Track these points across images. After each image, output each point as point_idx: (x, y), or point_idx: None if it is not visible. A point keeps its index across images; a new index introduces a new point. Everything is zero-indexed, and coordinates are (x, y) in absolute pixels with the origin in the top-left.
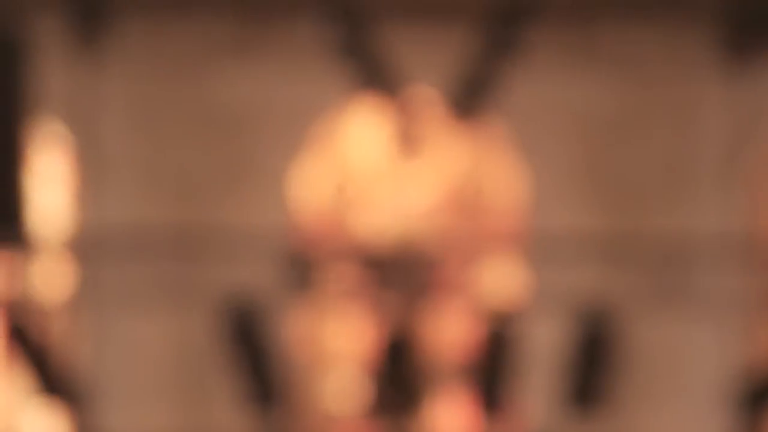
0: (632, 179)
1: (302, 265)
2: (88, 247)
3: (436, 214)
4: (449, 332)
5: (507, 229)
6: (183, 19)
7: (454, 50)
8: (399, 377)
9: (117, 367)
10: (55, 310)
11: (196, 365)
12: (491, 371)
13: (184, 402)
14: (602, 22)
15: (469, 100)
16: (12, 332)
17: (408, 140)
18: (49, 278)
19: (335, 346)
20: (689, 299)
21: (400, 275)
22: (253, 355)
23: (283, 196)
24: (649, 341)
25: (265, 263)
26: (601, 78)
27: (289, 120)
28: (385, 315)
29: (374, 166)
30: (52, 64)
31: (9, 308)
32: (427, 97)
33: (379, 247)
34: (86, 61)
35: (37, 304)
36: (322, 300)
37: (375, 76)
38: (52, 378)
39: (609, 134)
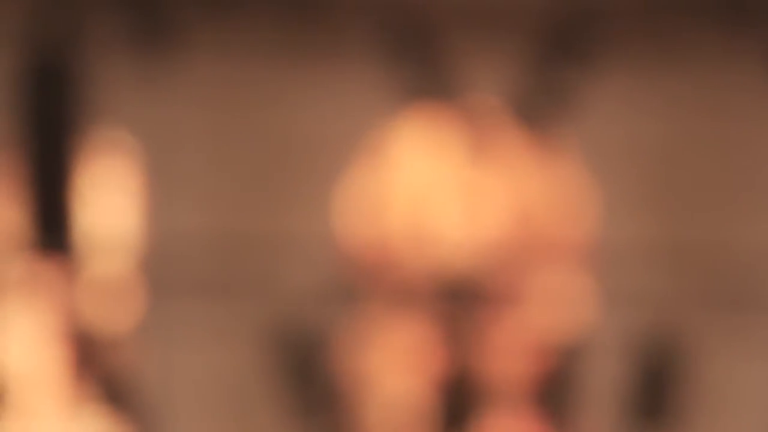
0: (699, 191)
1: (356, 294)
2: (152, 259)
3: (504, 235)
4: (512, 354)
5: (574, 243)
6: (245, 30)
7: (517, 59)
8: (457, 411)
9: (183, 392)
10: (116, 328)
11: (253, 389)
12: (555, 394)
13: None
14: (673, 32)
15: (535, 110)
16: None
17: (474, 153)
18: (111, 293)
19: (389, 377)
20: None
21: (463, 299)
22: (307, 385)
23: (339, 216)
24: (716, 356)
25: (322, 288)
26: (671, 89)
27: (345, 136)
28: (445, 343)
29: (436, 182)
30: (117, 74)
31: (72, 329)
32: (492, 107)
33: (441, 272)
34: (154, 72)
35: (99, 325)
36: (376, 331)
37: (436, 86)
38: (119, 406)
39: (679, 143)
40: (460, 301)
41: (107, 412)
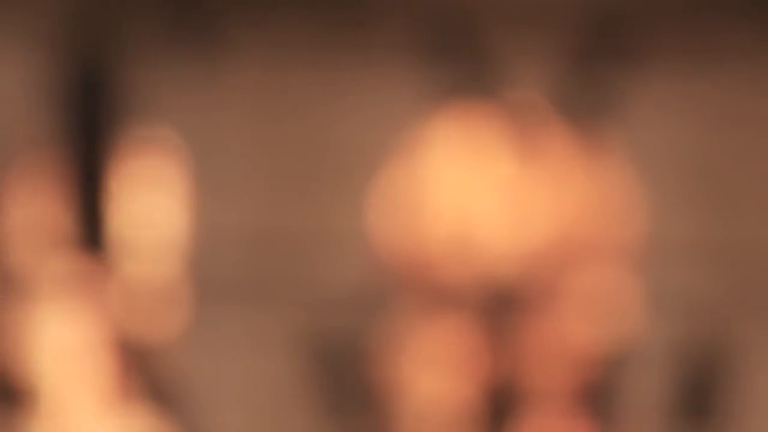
0: (745, 193)
1: (393, 297)
2: (195, 258)
3: (549, 238)
4: (555, 362)
5: (620, 246)
6: (284, 35)
7: (559, 55)
8: (497, 419)
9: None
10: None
11: (291, 392)
12: (599, 402)
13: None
14: (717, 30)
15: (578, 108)
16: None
17: (516, 152)
18: (153, 292)
19: (426, 383)
20: None
21: (505, 304)
22: (345, 389)
23: (378, 218)
24: (763, 362)
25: (360, 291)
26: (716, 88)
27: (383, 137)
28: (485, 350)
29: (477, 182)
30: (163, 76)
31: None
32: (535, 105)
33: (482, 275)
34: (199, 74)
35: (141, 323)
36: (414, 335)
37: (476, 84)
38: (162, 405)
39: (723, 142)
40: (501, 306)
41: (150, 411)
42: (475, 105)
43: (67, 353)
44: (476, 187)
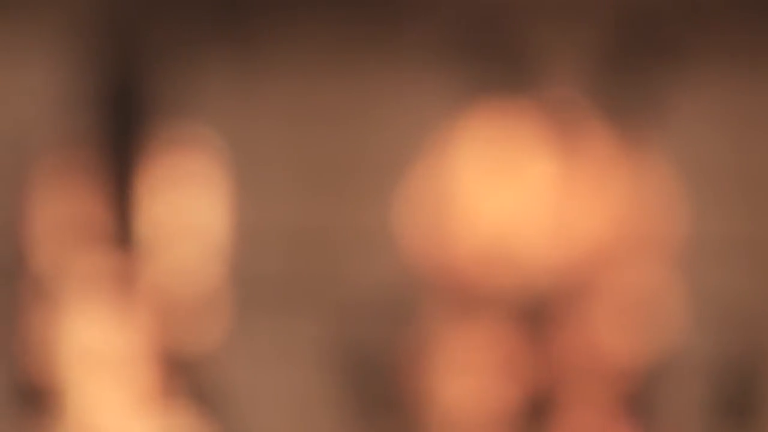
0: None
1: (425, 302)
2: (233, 256)
3: (591, 242)
4: (594, 371)
5: (663, 250)
6: (322, 29)
7: (596, 51)
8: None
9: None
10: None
11: (324, 402)
12: (639, 411)
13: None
14: (764, 25)
15: (617, 106)
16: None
17: (553, 151)
18: (191, 289)
19: (459, 394)
20: None
21: (541, 310)
22: (379, 401)
23: (410, 220)
24: None
25: (392, 297)
26: (758, 84)
27: (418, 137)
28: (520, 359)
29: (512, 183)
30: (204, 75)
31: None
32: (572, 103)
33: (517, 281)
34: (237, 70)
35: (179, 322)
36: (446, 344)
37: (511, 81)
38: (200, 404)
39: (763, 142)
40: (537, 312)
41: (185, 413)
42: (510, 103)
43: (98, 354)
44: (511, 189)
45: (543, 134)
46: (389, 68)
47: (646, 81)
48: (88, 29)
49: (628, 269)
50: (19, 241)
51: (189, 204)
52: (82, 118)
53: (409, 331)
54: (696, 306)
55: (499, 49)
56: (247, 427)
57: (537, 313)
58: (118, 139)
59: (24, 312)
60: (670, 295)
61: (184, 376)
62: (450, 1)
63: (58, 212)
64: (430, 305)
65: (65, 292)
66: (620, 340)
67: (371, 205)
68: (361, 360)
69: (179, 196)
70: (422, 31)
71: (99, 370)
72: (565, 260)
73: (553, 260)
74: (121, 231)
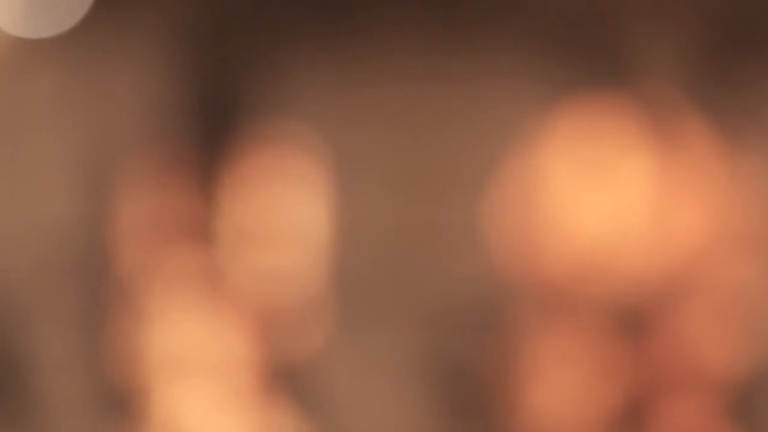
0: None
1: (518, 317)
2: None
3: (694, 247)
4: (690, 386)
5: (763, 239)
6: (419, 27)
7: (696, 45)
8: None
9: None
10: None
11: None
12: (745, 418)
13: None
14: None
15: (714, 100)
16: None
17: (652, 150)
18: (288, 282)
19: (554, 408)
20: None
21: (639, 319)
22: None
23: (500, 220)
24: None
25: (482, 299)
26: None
27: (510, 133)
28: (616, 370)
29: (611, 183)
30: (304, 70)
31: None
32: (671, 98)
33: (612, 288)
34: (336, 68)
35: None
36: (538, 359)
37: (606, 75)
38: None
39: None
40: (634, 319)
41: (279, 410)
42: (605, 101)
43: (186, 357)
44: (605, 189)
45: (638, 132)
46: (483, 68)
47: (743, 77)
48: (184, 29)
49: (728, 271)
50: (105, 242)
51: (285, 204)
52: (174, 117)
53: (500, 338)
54: None
55: (594, 45)
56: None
57: (632, 318)
58: (214, 138)
59: (109, 313)
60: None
61: (277, 381)
62: None
63: (147, 211)
64: (520, 311)
65: (152, 293)
66: (720, 345)
67: (466, 207)
68: (452, 368)
69: (275, 196)
70: (516, 30)
71: (187, 374)
72: (662, 263)
73: (649, 263)
74: (212, 231)
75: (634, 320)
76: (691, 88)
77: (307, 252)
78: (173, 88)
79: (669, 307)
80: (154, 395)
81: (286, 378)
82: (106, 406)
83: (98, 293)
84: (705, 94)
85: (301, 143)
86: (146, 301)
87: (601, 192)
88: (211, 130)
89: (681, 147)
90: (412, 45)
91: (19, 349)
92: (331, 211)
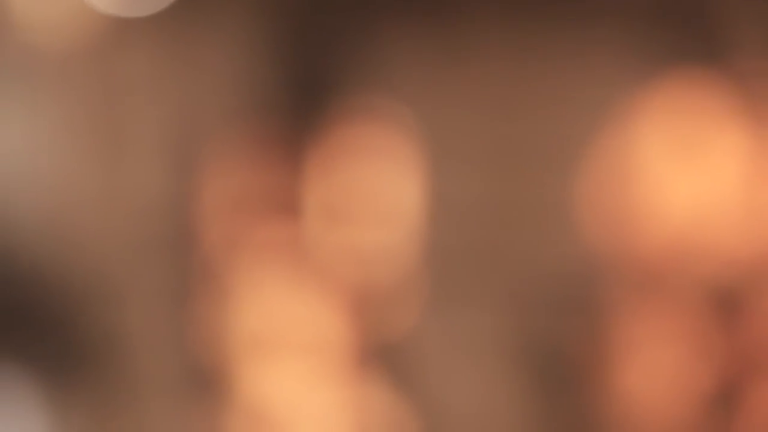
0: None
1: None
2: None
3: None
4: None
5: None
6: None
7: None
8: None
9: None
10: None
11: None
12: None
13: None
14: None
15: None
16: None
17: (749, 128)
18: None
19: (644, 393)
20: None
21: (737, 303)
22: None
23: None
24: None
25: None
26: None
27: (601, 110)
28: (709, 355)
29: (705, 163)
30: (397, 46)
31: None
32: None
33: (714, 274)
34: (429, 44)
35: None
36: (629, 343)
37: (700, 50)
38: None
39: None
40: (729, 305)
41: (370, 393)
42: (700, 76)
43: (272, 335)
44: (700, 166)
45: (732, 109)
46: (576, 46)
47: None
48: (277, 5)
49: None
50: (194, 218)
51: (375, 180)
52: (266, 93)
53: (592, 317)
54: None
55: (687, 21)
56: (433, 413)
57: (725, 298)
58: (305, 113)
59: (197, 290)
60: None
61: (366, 360)
62: None
63: (237, 187)
64: (613, 290)
65: (240, 269)
66: None
67: (559, 185)
68: (544, 347)
69: (366, 172)
70: (609, 7)
71: (274, 351)
72: (755, 241)
73: (742, 241)
74: (301, 206)
75: (727, 299)
76: None
77: (397, 229)
78: (266, 64)
79: (762, 286)
80: (240, 373)
81: (376, 356)
82: (193, 384)
83: (186, 270)
84: None
85: (393, 119)
86: (234, 278)
87: (693, 169)
88: (302, 105)
89: None
90: (506, 23)
91: (109, 327)
92: (422, 188)
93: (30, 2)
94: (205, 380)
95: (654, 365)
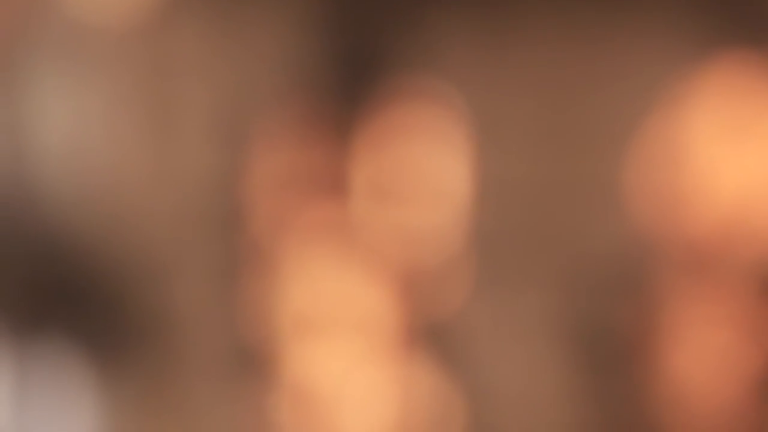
0: None
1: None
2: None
3: None
4: None
5: None
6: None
7: None
8: None
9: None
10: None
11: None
12: None
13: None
14: None
15: None
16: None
17: None
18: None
19: (694, 376)
20: None
21: None
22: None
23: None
24: None
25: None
26: None
27: (651, 92)
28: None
29: (758, 144)
30: (440, 24)
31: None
32: None
33: (764, 251)
34: (479, 25)
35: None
36: (678, 326)
37: (754, 29)
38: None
39: None
40: None
41: (417, 373)
42: (749, 58)
43: (319, 315)
44: (751, 148)
45: None
46: (627, 27)
47: None
48: None
49: None
50: (242, 195)
51: (424, 160)
52: (315, 70)
53: (641, 299)
54: None
55: (739, 2)
56: (480, 394)
57: None
58: (353, 92)
59: (244, 268)
60: None
61: (414, 340)
62: None
63: (285, 165)
64: (662, 272)
65: (287, 248)
66: None
67: (608, 166)
68: (592, 328)
69: (414, 152)
70: None
71: (321, 330)
72: None
73: None
74: (349, 186)
75: None
76: None
77: (445, 209)
78: (315, 43)
79: None
80: (287, 352)
81: (424, 336)
82: (240, 362)
83: (235, 248)
84: None
85: (442, 99)
86: (282, 257)
87: (744, 151)
88: (351, 85)
89: None
90: (556, 5)
91: (158, 304)
92: (471, 168)
93: None
94: (252, 359)
95: (703, 347)
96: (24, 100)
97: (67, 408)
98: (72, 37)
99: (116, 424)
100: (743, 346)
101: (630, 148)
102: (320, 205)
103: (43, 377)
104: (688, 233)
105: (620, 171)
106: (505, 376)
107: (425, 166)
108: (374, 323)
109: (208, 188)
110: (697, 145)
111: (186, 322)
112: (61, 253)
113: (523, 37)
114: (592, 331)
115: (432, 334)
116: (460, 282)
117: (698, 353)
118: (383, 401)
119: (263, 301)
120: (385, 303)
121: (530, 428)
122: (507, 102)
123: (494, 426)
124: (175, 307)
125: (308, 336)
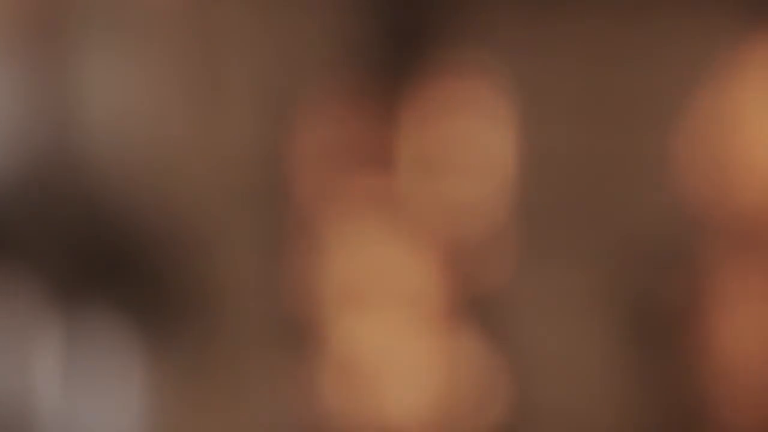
0: None
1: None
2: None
3: None
4: None
5: None
6: None
7: None
8: None
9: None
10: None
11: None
12: None
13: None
14: None
15: None
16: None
17: None
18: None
19: (740, 353)
20: None
21: None
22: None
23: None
24: None
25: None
26: None
27: (699, 64)
28: None
29: None
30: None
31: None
32: None
33: None
34: (532, 3)
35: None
36: (726, 301)
37: None
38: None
39: None
40: None
41: (461, 348)
42: None
43: (363, 286)
44: None
45: None
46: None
47: None
48: None
49: None
50: (287, 168)
51: (469, 133)
52: (361, 44)
53: (688, 273)
54: None
55: None
56: (525, 367)
57: None
58: (399, 66)
59: (288, 241)
60: None
61: (459, 313)
62: None
63: (330, 139)
64: (710, 247)
65: (332, 221)
66: None
67: (655, 139)
68: (639, 302)
69: (459, 125)
70: None
71: (365, 303)
72: None
73: None
74: (394, 159)
75: None
76: None
77: (491, 183)
78: (362, 15)
79: None
80: (332, 324)
81: (469, 309)
82: (285, 335)
83: (280, 221)
84: None
85: (488, 73)
86: (327, 230)
87: None
88: (397, 58)
89: None
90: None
91: (203, 277)
92: (517, 142)
93: None
94: (297, 331)
95: (750, 321)
96: (72, 72)
97: (114, 378)
98: (120, 9)
99: (162, 394)
100: None
101: (677, 121)
102: (366, 178)
103: (91, 348)
104: (735, 206)
105: (667, 144)
106: (551, 350)
107: (471, 140)
108: (419, 296)
109: (255, 160)
110: (744, 117)
111: (232, 294)
112: (109, 225)
113: (569, 12)
114: (639, 305)
115: (477, 308)
116: (505, 255)
117: (746, 327)
118: (428, 374)
119: (308, 273)
120: (430, 276)
121: (575, 402)
122: (553, 75)
123: (539, 400)
124: (220, 279)
125: (353, 308)
